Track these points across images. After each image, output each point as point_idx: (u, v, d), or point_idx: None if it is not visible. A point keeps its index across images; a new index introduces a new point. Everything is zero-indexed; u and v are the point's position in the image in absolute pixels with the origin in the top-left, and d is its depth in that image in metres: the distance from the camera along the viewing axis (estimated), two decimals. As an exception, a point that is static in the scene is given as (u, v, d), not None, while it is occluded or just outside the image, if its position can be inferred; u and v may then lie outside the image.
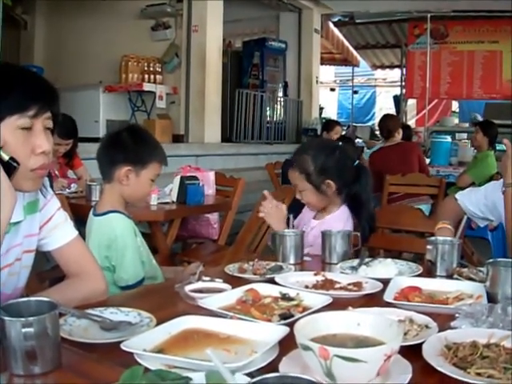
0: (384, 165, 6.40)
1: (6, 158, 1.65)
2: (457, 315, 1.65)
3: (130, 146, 2.70)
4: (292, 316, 1.67)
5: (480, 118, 10.50)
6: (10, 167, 1.66)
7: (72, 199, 4.40)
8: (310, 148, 3.10)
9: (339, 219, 3.00)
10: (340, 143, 3.54)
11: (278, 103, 12.90)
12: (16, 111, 1.67)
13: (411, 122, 16.29)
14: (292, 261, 2.55)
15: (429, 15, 12.36)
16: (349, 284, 2.11)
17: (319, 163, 2.95)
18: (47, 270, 3.66)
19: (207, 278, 2.10)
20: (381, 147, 7.19)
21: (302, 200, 3.05)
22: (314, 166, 2.95)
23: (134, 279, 2.61)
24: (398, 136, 6.79)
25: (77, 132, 5.05)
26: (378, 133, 16.02)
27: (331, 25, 14.84)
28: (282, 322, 1.63)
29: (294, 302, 1.83)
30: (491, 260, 2.02)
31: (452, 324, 1.60)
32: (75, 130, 5.00)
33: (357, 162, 3.12)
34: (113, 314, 1.70)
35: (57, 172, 4.99)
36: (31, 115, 1.69)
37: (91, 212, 2.80)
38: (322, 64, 14.90)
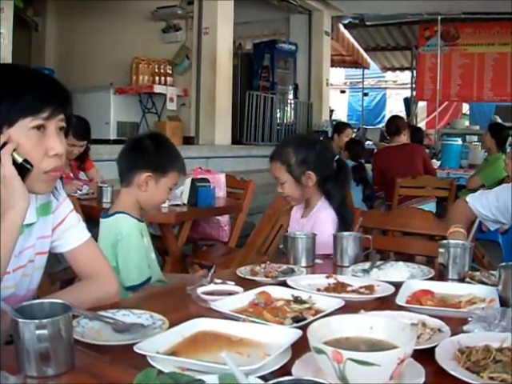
0: (387, 164, 6.42)
1: (19, 160, 1.66)
2: (469, 319, 1.64)
3: (152, 152, 2.71)
4: (304, 319, 1.67)
5: (499, 120, 10.45)
6: (24, 169, 1.67)
7: (83, 201, 4.41)
8: (292, 141, 3.21)
9: (323, 208, 3.05)
10: (321, 138, 3.60)
11: (289, 105, 12.91)
12: (29, 113, 1.67)
13: (421, 125, 16.24)
14: (304, 263, 2.55)
15: (439, 17, 12.33)
16: (361, 287, 2.10)
17: (300, 155, 3.03)
18: (58, 271, 3.67)
19: (219, 281, 2.10)
20: (386, 147, 7.19)
21: (283, 193, 3.11)
22: (296, 157, 3.02)
23: (139, 279, 2.61)
24: (404, 137, 6.79)
25: (90, 134, 5.06)
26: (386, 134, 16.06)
27: (341, 27, 14.84)
28: (295, 324, 1.63)
29: (307, 305, 1.82)
30: (503, 264, 2.00)
31: (465, 328, 1.59)
32: (89, 131, 5.02)
33: (337, 156, 3.16)
34: (125, 316, 1.70)
35: (71, 174, 5.00)
36: (45, 117, 1.69)
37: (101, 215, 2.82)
38: (332, 66, 14.90)
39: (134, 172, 2.72)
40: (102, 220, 2.76)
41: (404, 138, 6.81)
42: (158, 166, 2.72)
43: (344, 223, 3.00)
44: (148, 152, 2.72)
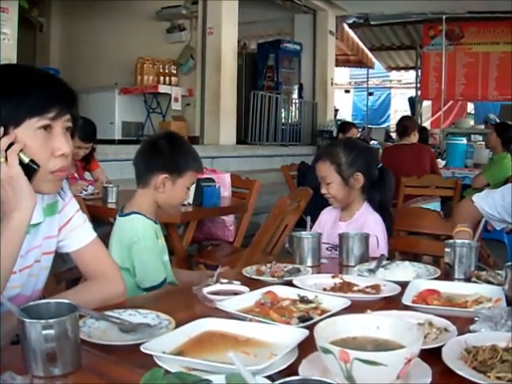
0: (395, 161, 6.41)
1: (26, 160, 1.66)
2: (476, 318, 1.64)
3: (167, 153, 2.71)
4: (311, 319, 1.67)
5: (496, 119, 10.44)
6: (30, 170, 1.67)
7: (88, 201, 4.41)
8: (342, 143, 3.22)
9: (369, 212, 3.05)
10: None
11: (293, 105, 12.91)
12: (36, 114, 1.67)
13: (426, 124, 16.25)
14: (309, 263, 2.55)
15: (444, 16, 12.32)
16: (367, 287, 2.10)
17: (351, 156, 3.03)
18: (64, 271, 3.67)
19: (225, 281, 2.10)
20: (395, 144, 7.19)
21: (328, 194, 3.07)
22: (346, 158, 3.02)
23: (157, 280, 2.61)
24: (414, 138, 6.80)
25: (96, 136, 5.07)
26: (393, 134, 16.03)
27: (346, 26, 14.83)
28: (301, 324, 1.63)
29: (313, 305, 1.82)
30: (510, 263, 2.00)
31: (471, 327, 1.59)
32: (95, 133, 5.02)
33: (380, 164, 3.15)
34: (131, 316, 1.70)
35: (76, 174, 5.01)
36: (51, 117, 1.69)
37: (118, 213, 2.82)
38: (336, 66, 14.88)
39: (150, 174, 2.71)
40: (118, 218, 2.77)
41: (414, 139, 6.82)
42: (174, 166, 2.71)
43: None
44: (163, 153, 2.72)
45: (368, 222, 2.94)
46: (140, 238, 2.63)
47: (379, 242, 2.79)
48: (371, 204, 3.07)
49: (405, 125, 6.90)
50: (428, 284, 2.09)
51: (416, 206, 5.78)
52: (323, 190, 3.08)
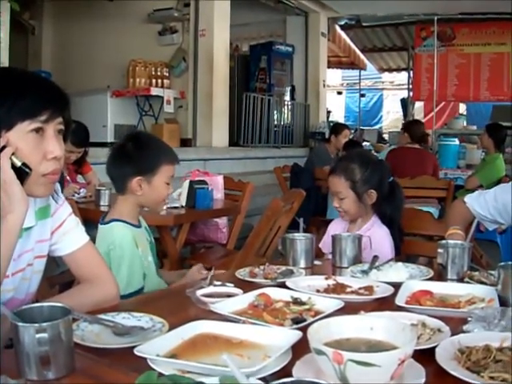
0: (399, 163, 6.42)
1: (18, 163, 1.66)
2: (469, 319, 1.64)
3: (135, 156, 2.69)
4: (304, 320, 1.67)
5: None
6: (23, 173, 1.67)
7: (81, 204, 4.41)
8: (357, 158, 3.14)
9: (378, 226, 3.05)
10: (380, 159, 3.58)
11: (286, 107, 12.90)
12: (28, 117, 1.67)
13: (418, 125, 16.21)
14: (302, 265, 2.55)
15: (435, 18, 12.32)
16: (360, 288, 2.10)
17: (366, 173, 3.02)
18: (57, 274, 3.67)
19: (218, 283, 2.11)
20: (401, 146, 7.18)
21: (339, 208, 3.06)
22: (361, 174, 3.01)
23: (125, 291, 2.51)
24: (426, 144, 6.86)
25: (89, 140, 5.07)
26: (385, 136, 16.04)
27: (338, 28, 14.82)
28: (295, 326, 1.63)
29: (306, 307, 1.83)
30: (503, 263, 2.01)
31: (464, 328, 1.60)
32: (88, 138, 5.03)
33: (391, 178, 3.15)
34: (125, 319, 1.70)
35: (68, 177, 5.00)
36: (43, 120, 1.69)
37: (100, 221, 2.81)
38: (328, 67, 14.87)
39: (124, 179, 2.71)
40: (99, 226, 2.76)
41: (424, 146, 6.87)
42: (145, 167, 2.70)
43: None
44: (131, 157, 2.69)
45: (375, 234, 2.93)
46: (116, 246, 2.61)
47: (385, 255, 2.76)
48: (380, 217, 3.07)
49: (411, 133, 6.95)
50: (421, 285, 2.10)
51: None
52: (335, 204, 3.07)
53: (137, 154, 2.70)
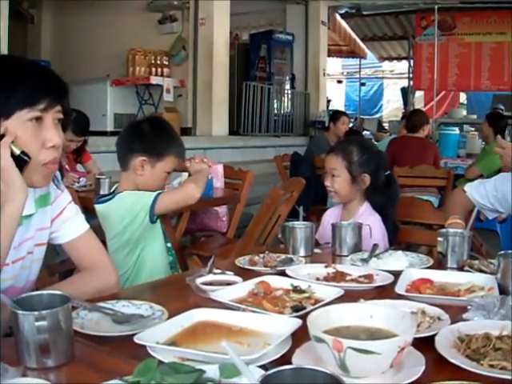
0: (400, 151, 6.42)
1: (17, 152, 1.66)
2: (469, 307, 1.64)
3: (148, 136, 2.71)
4: (304, 308, 1.67)
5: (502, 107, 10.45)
6: (22, 161, 1.66)
7: (81, 193, 4.41)
8: (356, 142, 3.21)
9: (370, 213, 3.05)
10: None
11: (286, 96, 12.89)
12: (26, 105, 1.67)
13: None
14: (302, 253, 2.54)
15: (436, 7, 12.28)
16: (360, 276, 2.10)
17: (363, 157, 3.04)
18: (57, 263, 3.67)
19: (218, 271, 2.11)
20: (404, 135, 7.17)
21: (331, 187, 3.07)
22: (358, 157, 3.03)
23: None
24: (423, 133, 6.81)
25: (89, 129, 5.07)
26: (385, 125, 16.01)
27: (338, 17, 14.78)
28: (295, 314, 1.63)
29: (306, 295, 1.83)
30: (502, 252, 2.01)
31: (464, 316, 1.60)
32: (88, 127, 5.03)
33: (388, 172, 3.16)
34: (125, 307, 1.70)
35: (67, 166, 5.00)
36: (41, 109, 1.68)
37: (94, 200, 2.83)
38: (329, 56, 14.85)
39: (130, 156, 2.72)
40: (102, 205, 2.77)
41: (422, 134, 6.83)
42: (154, 149, 2.71)
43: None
44: (145, 135, 2.72)
45: (368, 221, 2.93)
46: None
47: (375, 241, 2.76)
48: (372, 205, 3.08)
49: (413, 120, 6.89)
50: (421, 273, 2.10)
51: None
52: (327, 182, 3.07)
53: (151, 135, 2.72)
